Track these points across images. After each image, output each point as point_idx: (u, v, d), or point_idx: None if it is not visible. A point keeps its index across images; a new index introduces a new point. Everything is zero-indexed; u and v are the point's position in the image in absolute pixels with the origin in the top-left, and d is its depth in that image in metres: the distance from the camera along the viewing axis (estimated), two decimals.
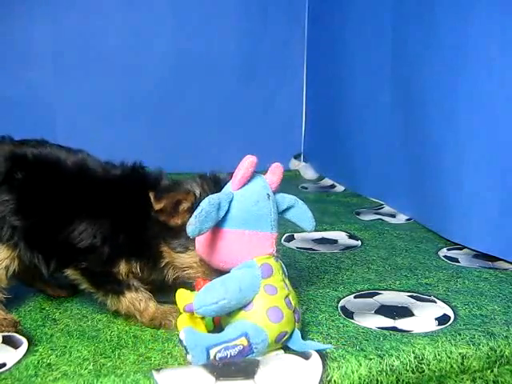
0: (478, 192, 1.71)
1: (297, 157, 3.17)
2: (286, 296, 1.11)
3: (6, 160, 1.27)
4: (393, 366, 1.04)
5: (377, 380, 1.03)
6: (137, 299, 1.25)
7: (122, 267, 1.25)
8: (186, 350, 1.04)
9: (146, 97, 2.86)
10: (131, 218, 1.26)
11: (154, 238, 1.25)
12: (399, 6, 2.12)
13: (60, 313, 1.35)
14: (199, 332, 1.09)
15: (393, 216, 2.22)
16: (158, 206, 1.18)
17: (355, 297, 1.43)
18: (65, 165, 1.29)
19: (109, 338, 1.22)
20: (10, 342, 1.19)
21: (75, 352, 1.15)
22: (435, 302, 1.38)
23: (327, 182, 2.83)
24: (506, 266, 1.64)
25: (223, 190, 1.17)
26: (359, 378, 1.01)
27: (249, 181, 1.15)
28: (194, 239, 1.17)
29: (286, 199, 1.23)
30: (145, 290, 1.27)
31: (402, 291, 1.46)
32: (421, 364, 1.06)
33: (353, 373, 1.01)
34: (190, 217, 1.11)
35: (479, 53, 1.67)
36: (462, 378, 1.09)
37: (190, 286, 1.22)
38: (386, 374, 1.04)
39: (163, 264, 1.27)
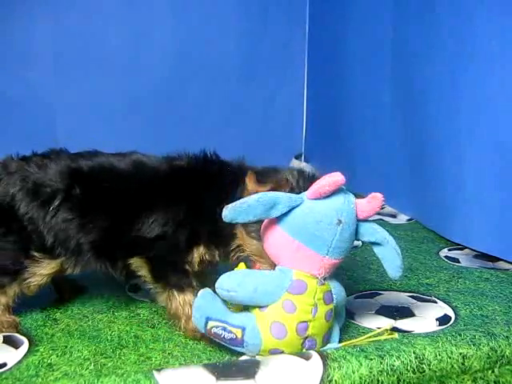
0: (478, 192, 1.71)
1: (298, 157, 3.17)
2: (304, 321, 1.07)
3: (65, 176, 1.25)
4: (393, 366, 1.04)
5: (378, 380, 1.02)
6: (189, 303, 1.22)
7: (196, 255, 1.25)
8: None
9: (145, 97, 2.86)
10: (204, 204, 1.25)
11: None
12: (400, 5, 2.12)
13: (61, 313, 1.35)
14: (212, 299, 1.12)
15: (393, 216, 2.22)
16: (261, 189, 1.13)
17: (356, 297, 1.43)
18: (119, 168, 1.29)
19: (109, 337, 1.22)
20: (10, 341, 1.19)
21: (76, 352, 1.15)
22: (436, 303, 1.38)
23: None
24: (507, 266, 1.64)
25: (300, 194, 1.12)
26: (360, 378, 1.01)
27: (328, 197, 1.09)
28: None
29: (378, 235, 1.15)
30: None
31: (403, 291, 1.46)
32: (421, 364, 1.06)
33: (353, 373, 1.01)
34: None
35: (480, 52, 1.67)
36: (463, 379, 1.09)
37: None
38: (387, 374, 1.03)
39: (233, 247, 1.25)
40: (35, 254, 1.24)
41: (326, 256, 1.10)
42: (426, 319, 1.28)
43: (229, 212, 1.07)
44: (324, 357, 1.02)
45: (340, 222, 1.09)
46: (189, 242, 1.25)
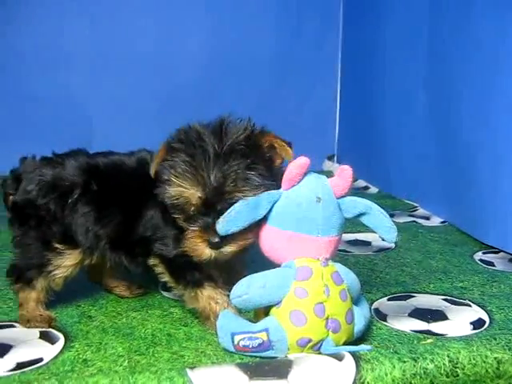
0: None
1: (330, 158, 3.16)
2: (320, 303, 1.08)
3: (83, 172, 1.30)
4: (427, 369, 1.04)
5: (410, 383, 1.02)
6: (214, 299, 1.24)
7: None
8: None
9: (180, 96, 2.88)
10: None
11: None
12: (436, 6, 2.10)
13: (95, 310, 1.37)
14: (233, 316, 1.15)
15: (427, 218, 2.20)
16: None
17: (389, 299, 1.42)
18: (127, 165, 1.33)
19: (143, 335, 1.23)
20: (46, 337, 1.22)
21: (110, 349, 1.17)
22: (470, 306, 1.37)
23: (361, 183, 2.82)
24: None
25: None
26: (393, 380, 1.01)
27: (299, 182, 1.15)
28: None
29: (359, 205, 1.18)
30: (225, 290, 1.25)
31: (437, 294, 1.45)
32: (455, 368, 1.05)
33: (386, 375, 1.01)
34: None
35: None
36: (498, 383, 1.07)
37: None
38: (420, 377, 1.03)
39: None
40: (57, 245, 1.29)
41: (319, 235, 1.13)
42: (459, 323, 1.27)
43: (222, 225, 1.11)
44: (357, 358, 1.02)
45: (319, 198, 1.13)
46: (178, 236, 1.25)
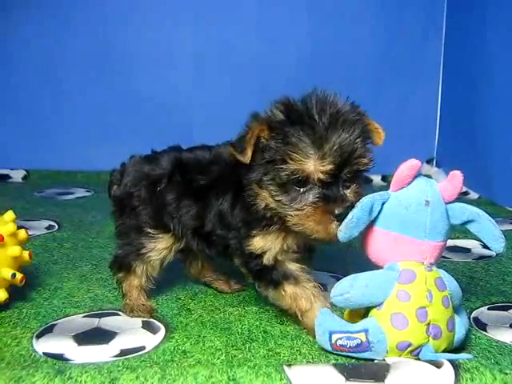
0: None
1: (429, 161, 3.09)
2: (422, 307, 1.07)
3: (171, 165, 1.38)
4: None
5: None
6: (299, 295, 1.23)
7: (256, 242, 1.24)
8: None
9: (279, 94, 2.90)
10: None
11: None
12: None
13: (194, 303, 1.41)
14: (332, 315, 1.16)
15: None
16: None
17: (489, 308, 1.38)
18: (202, 159, 1.37)
19: (240, 330, 1.26)
20: (149, 327, 1.27)
21: (208, 342, 1.20)
22: None
23: None
24: None
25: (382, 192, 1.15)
26: None
27: (409, 184, 1.13)
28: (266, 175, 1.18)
29: (467, 211, 1.15)
30: (310, 284, 1.24)
31: None
32: None
33: None
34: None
35: None
36: None
37: None
38: None
39: (261, 208, 1.23)
40: (149, 231, 1.37)
41: (425, 239, 1.11)
42: None
43: (343, 232, 1.11)
44: (456, 367, 0.99)
45: (428, 202, 1.11)
46: (244, 232, 1.26)
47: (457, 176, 1.14)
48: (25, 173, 3.07)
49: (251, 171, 1.20)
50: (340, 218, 1.11)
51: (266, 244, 1.23)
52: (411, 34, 3.00)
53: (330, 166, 1.11)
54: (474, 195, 2.63)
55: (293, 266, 1.25)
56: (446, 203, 1.14)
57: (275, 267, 1.24)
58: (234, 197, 1.28)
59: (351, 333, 1.09)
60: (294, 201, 1.15)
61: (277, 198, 1.17)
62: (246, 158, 1.17)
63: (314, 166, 1.11)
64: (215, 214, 1.31)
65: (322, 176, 1.11)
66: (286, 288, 1.23)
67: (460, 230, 2.00)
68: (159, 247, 1.37)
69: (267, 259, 1.24)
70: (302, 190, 1.14)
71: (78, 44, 3.01)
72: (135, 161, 1.43)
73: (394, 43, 3.00)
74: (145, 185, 1.38)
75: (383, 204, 1.13)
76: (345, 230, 1.11)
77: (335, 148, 1.10)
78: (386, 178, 2.90)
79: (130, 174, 1.41)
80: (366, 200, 1.11)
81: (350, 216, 1.10)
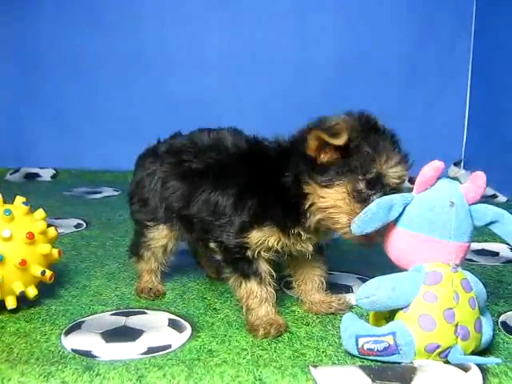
0: None
1: (457, 164, 3.06)
2: (449, 308, 1.06)
3: (164, 149, 1.45)
4: None
5: None
6: (252, 294, 1.26)
7: (253, 238, 1.24)
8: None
9: (309, 97, 2.91)
10: (258, 182, 1.27)
11: (296, 179, 1.22)
12: None
13: (220, 303, 1.42)
14: (357, 319, 1.16)
15: None
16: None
17: None
18: (199, 141, 1.40)
19: None
20: (175, 325, 1.28)
21: (234, 341, 1.21)
22: None
23: (488, 191, 2.70)
24: None
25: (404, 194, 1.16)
26: None
27: (433, 185, 1.14)
28: (341, 175, 1.15)
29: (490, 212, 1.15)
30: (269, 288, 1.27)
31: None
32: None
33: None
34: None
35: None
36: None
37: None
38: None
39: (306, 206, 1.21)
40: (148, 223, 1.45)
41: (451, 240, 1.11)
42: None
43: (357, 225, 1.13)
44: (484, 371, 0.98)
45: (452, 203, 1.11)
46: (242, 226, 1.25)
47: (480, 176, 1.13)
48: (54, 172, 3.11)
49: (316, 171, 1.18)
50: None
51: (261, 237, 1.24)
52: (440, 36, 2.98)
53: (404, 172, 1.17)
54: (502, 198, 2.60)
55: (265, 267, 1.28)
56: (470, 204, 1.14)
57: (252, 261, 1.26)
58: (241, 193, 1.27)
59: (378, 336, 1.08)
60: (360, 203, 1.16)
61: (346, 200, 1.16)
62: (342, 140, 1.13)
63: (393, 170, 1.16)
64: (205, 201, 1.32)
65: (396, 181, 1.17)
66: (248, 282, 1.26)
67: (488, 233, 1.98)
68: (156, 236, 1.45)
69: (252, 251, 1.25)
70: (371, 192, 1.16)
71: (110, 44, 3.05)
72: (140, 157, 1.53)
73: (423, 45, 2.98)
74: (144, 176, 1.45)
75: (406, 206, 1.14)
76: (358, 223, 1.12)
77: (406, 159, 1.18)
78: (413, 180, 2.87)
79: (135, 169, 1.52)
80: (384, 198, 1.13)
81: (366, 209, 1.12)
